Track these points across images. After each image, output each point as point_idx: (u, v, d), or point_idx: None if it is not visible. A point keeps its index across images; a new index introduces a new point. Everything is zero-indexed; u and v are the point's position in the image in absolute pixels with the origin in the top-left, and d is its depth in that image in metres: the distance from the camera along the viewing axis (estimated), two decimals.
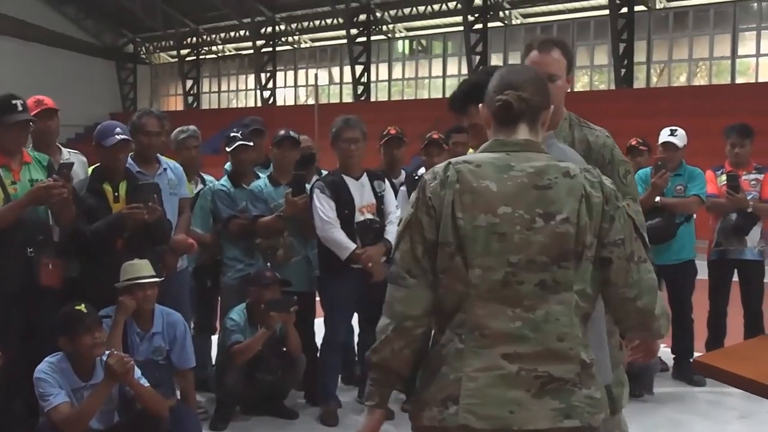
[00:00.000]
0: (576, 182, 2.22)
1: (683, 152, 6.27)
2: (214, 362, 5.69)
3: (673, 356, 6.39)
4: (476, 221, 2.19)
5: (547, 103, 2.39)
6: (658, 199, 6.07)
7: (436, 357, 2.25)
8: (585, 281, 2.22)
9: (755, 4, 25.12)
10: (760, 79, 24.43)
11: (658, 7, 26.41)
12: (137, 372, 4.24)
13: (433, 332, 2.31)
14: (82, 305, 4.17)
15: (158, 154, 5.34)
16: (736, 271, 6.40)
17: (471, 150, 3.99)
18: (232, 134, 5.93)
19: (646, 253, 2.28)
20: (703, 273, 6.43)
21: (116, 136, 4.66)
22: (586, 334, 2.25)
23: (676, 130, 6.29)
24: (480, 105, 2.44)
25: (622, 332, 2.55)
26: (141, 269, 4.59)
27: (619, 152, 3.39)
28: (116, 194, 4.75)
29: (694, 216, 6.42)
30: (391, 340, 2.27)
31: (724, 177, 6.35)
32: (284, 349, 5.35)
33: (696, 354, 5.84)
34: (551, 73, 3.29)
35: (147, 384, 4.28)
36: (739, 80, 25.05)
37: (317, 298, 5.69)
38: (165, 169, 5.27)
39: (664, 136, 6.28)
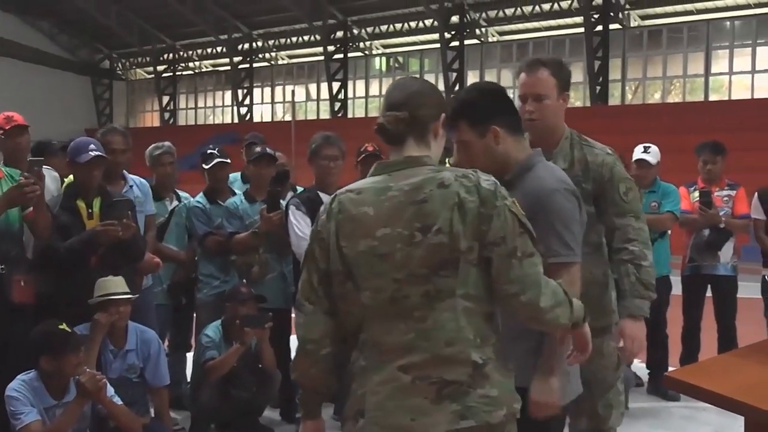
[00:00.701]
0: (449, 191, 2.28)
1: (657, 169, 6.32)
2: (189, 379, 5.66)
3: (648, 371, 6.42)
4: (358, 247, 2.31)
5: (436, 114, 2.44)
6: None
7: (348, 375, 2.40)
8: (468, 284, 2.27)
9: (728, 23, 25.45)
10: (734, 97, 24.74)
11: (632, 25, 26.70)
12: (110, 390, 4.20)
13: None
14: (64, 324, 4.13)
15: (124, 171, 5.31)
16: (709, 286, 6.46)
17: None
18: (209, 151, 5.91)
19: (534, 246, 2.31)
20: (677, 288, 6.47)
21: (90, 153, 4.62)
22: (485, 334, 2.30)
23: (649, 147, 6.34)
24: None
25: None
26: (114, 286, 4.55)
27: (620, 170, 3.41)
28: (90, 211, 4.71)
29: (669, 232, 6.47)
30: (298, 360, 2.48)
31: (696, 194, 6.41)
32: (259, 365, 5.33)
33: (671, 369, 5.87)
34: (537, 93, 3.34)
35: (120, 402, 4.24)
36: (712, 98, 25.34)
37: (293, 315, 5.67)
38: (131, 186, 5.24)
39: (638, 153, 6.34)
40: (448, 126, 2.78)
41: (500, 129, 2.82)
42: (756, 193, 6.48)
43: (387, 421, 2.26)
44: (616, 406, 3.48)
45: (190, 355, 5.86)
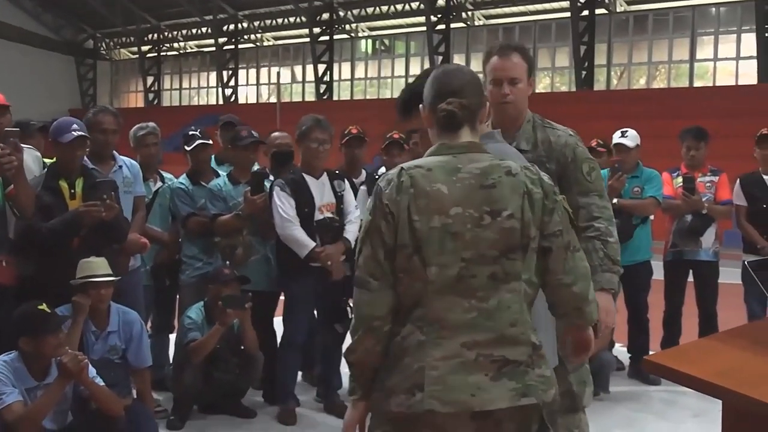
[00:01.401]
0: (518, 180, 2.37)
1: (637, 153, 6.33)
2: (171, 361, 5.66)
3: (629, 355, 6.46)
4: (431, 223, 2.33)
5: (483, 102, 2.54)
6: (615, 200, 6.13)
7: (398, 348, 2.38)
8: (530, 270, 2.39)
9: (713, 9, 25.51)
10: (718, 83, 24.82)
11: (618, 10, 26.71)
12: (92, 371, 4.19)
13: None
14: (44, 305, 4.11)
15: (114, 151, 5.28)
16: (691, 271, 6.50)
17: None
18: (190, 132, 5.89)
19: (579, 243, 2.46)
20: (659, 273, 6.51)
21: (73, 133, 4.58)
22: (531, 319, 2.41)
23: (626, 131, 6.37)
24: (420, 106, 2.58)
25: (559, 319, 2.63)
26: (97, 267, 4.53)
27: (582, 150, 3.44)
28: (73, 191, 4.67)
29: (651, 217, 6.49)
30: (362, 340, 2.43)
31: (679, 179, 6.43)
32: (242, 347, 5.33)
33: (652, 353, 5.91)
34: (512, 77, 3.39)
35: (102, 383, 4.23)
36: (697, 83, 25.43)
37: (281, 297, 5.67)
38: (120, 167, 5.21)
39: (616, 138, 6.37)
40: (405, 113, 2.86)
41: None
42: (738, 180, 6.51)
43: (448, 396, 2.28)
44: (588, 383, 3.50)
45: (172, 337, 5.86)
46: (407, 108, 2.91)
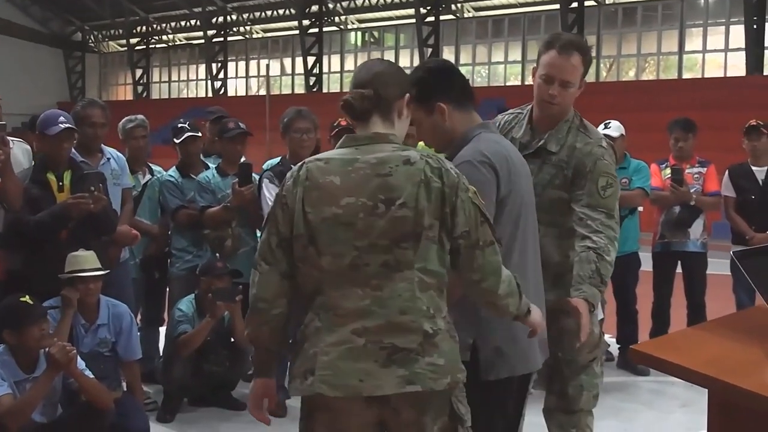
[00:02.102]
0: (415, 169, 2.40)
1: (622, 143, 6.31)
2: (161, 354, 5.65)
3: (618, 346, 6.49)
4: (323, 214, 2.41)
5: (399, 93, 2.56)
6: None
7: (301, 335, 2.48)
8: (427, 259, 2.41)
9: (702, 1, 25.54)
10: (707, 75, 24.85)
11: (607, 2, 26.72)
12: (81, 364, 4.19)
13: (302, 312, 2.51)
14: (27, 297, 4.11)
15: (102, 144, 5.27)
16: (679, 262, 6.52)
17: (421, 144, 4.02)
18: (179, 125, 5.88)
19: (493, 235, 2.48)
20: (646, 264, 6.53)
21: (60, 125, 4.58)
22: (438, 306, 2.44)
23: (609, 122, 6.36)
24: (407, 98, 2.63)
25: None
26: (85, 261, 4.53)
27: (605, 164, 3.27)
28: (60, 184, 4.67)
29: (640, 209, 6.51)
30: (250, 318, 2.56)
31: (668, 170, 6.45)
32: (232, 340, 5.33)
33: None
34: (566, 80, 3.27)
35: (91, 376, 4.23)
36: (686, 75, 25.44)
37: None
38: (108, 159, 5.21)
39: (600, 130, 6.35)
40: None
41: (447, 105, 2.87)
42: (727, 171, 6.54)
43: (337, 380, 2.35)
44: (588, 388, 3.48)
45: (162, 330, 5.85)
46: None
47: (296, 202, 2.44)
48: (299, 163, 2.53)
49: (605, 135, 6.26)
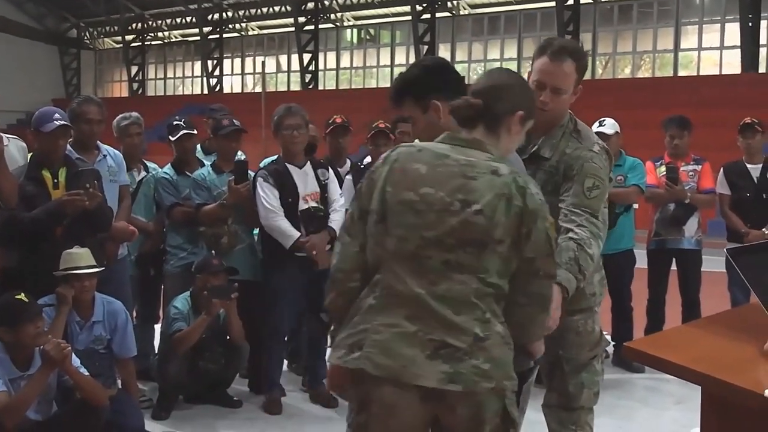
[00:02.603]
0: (501, 181, 2.41)
1: (617, 140, 6.31)
2: (156, 351, 5.65)
3: (613, 343, 6.50)
4: (400, 196, 2.46)
5: (511, 109, 2.57)
6: None
7: (355, 308, 2.51)
8: (488, 270, 2.41)
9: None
10: (702, 72, 24.87)
11: (603, 0, 26.72)
12: (76, 361, 4.19)
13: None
14: (22, 294, 4.10)
15: (98, 141, 5.27)
16: (674, 260, 6.53)
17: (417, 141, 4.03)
18: (174, 122, 5.88)
19: (552, 270, 2.52)
20: (641, 262, 6.54)
21: (55, 122, 4.58)
22: (495, 313, 2.44)
23: (604, 120, 6.35)
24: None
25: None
26: (80, 259, 4.53)
27: (592, 166, 3.19)
28: (56, 181, 4.67)
29: (636, 206, 6.51)
30: (329, 289, 2.61)
31: (663, 168, 6.46)
32: (227, 337, 5.33)
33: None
34: (557, 87, 3.20)
35: (86, 373, 4.23)
36: (681, 73, 25.47)
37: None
38: (105, 156, 5.20)
39: (594, 128, 6.35)
40: (397, 102, 2.92)
41: (442, 103, 2.86)
42: (722, 169, 6.55)
43: (381, 360, 2.37)
44: (588, 386, 3.49)
45: (158, 327, 5.85)
46: (399, 96, 2.95)
47: (380, 179, 2.51)
48: (397, 145, 2.62)
49: (599, 133, 6.27)
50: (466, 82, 3.04)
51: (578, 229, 3.07)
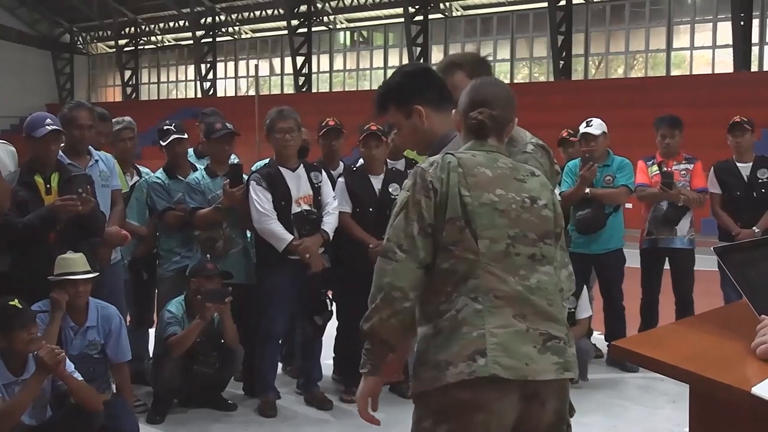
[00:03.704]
0: (543, 180, 2.64)
1: (605, 141, 6.34)
2: (151, 355, 5.65)
3: (607, 343, 6.51)
4: (481, 199, 2.49)
5: (512, 117, 2.70)
6: (587, 190, 6.18)
7: (452, 321, 2.44)
8: (557, 260, 2.60)
9: None
10: (694, 72, 24.94)
11: (595, 0, 26.77)
12: (70, 366, 4.19)
13: (437, 303, 2.49)
14: (16, 300, 4.10)
15: (90, 146, 5.27)
16: (667, 259, 6.54)
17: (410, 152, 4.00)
18: (165, 127, 5.88)
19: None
20: (631, 261, 6.55)
21: (47, 127, 4.57)
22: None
23: (591, 120, 6.38)
24: (453, 111, 2.74)
25: None
26: (75, 264, 4.52)
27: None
28: (48, 186, 4.66)
29: (629, 205, 6.52)
30: (379, 308, 2.48)
31: (655, 167, 6.48)
32: (222, 341, 5.33)
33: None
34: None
35: (80, 378, 4.23)
36: (674, 72, 25.54)
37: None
38: (96, 161, 5.20)
39: (582, 128, 6.38)
40: (381, 109, 2.93)
41: (424, 107, 2.88)
42: (712, 168, 6.57)
43: (508, 362, 2.37)
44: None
45: (152, 331, 5.85)
46: (382, 103, 2.96)
47: (450, 186, 2.48)
48: (440, 154, 2.57)
49: (586, 133, 6.28)
50: None
51: None
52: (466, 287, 2.45)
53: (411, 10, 28.19)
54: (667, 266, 6.59)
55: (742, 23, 22.58)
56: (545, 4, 25.91)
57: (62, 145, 4.86)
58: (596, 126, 6.31)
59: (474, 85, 2.72)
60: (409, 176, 2.59)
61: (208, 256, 5.46)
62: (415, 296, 2.48)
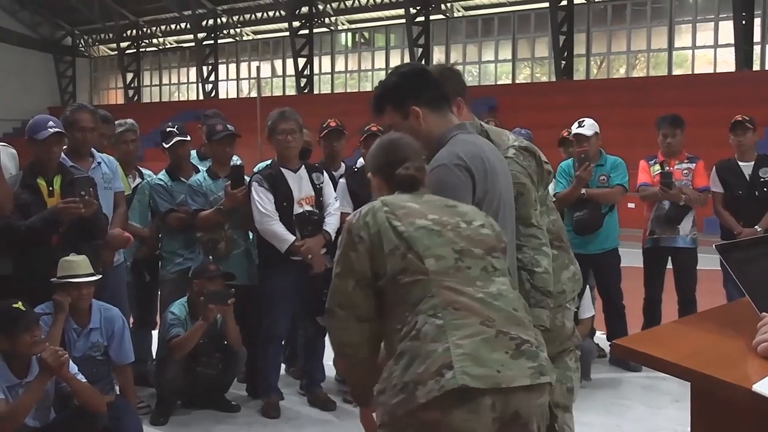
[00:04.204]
0: (475, 208, 2.67)
1: (597, 141, 6.33)
2: (154, 357, 5.66)
3: (609, 343, 6.50)
4: (416, 224, 2.47)
5: (425, 165, 2.74)
6: (583, 190, 6.17)
7: (414, 343, 2.35)
8: (509, 274, 2.61)
9: None
10: (696, 71, 24.93)
11: (596, 0, 26.77)
12: (73, 367, 4.20)
13: (398, 331, 2.41)
14: (19, 303, 4.11)
15: (92, 149, 5.28)
16: (670, 258, 6.54)
17: None
18: (167, 129, 5.89)
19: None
20: (626, 260, 6.54)
21: (49, 129, 4.58)
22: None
23: (583, 120, 6.37)
24: (368, 174, 2.78)
25: None
26: (78, 267, 4.53)
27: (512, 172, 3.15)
28: (51, 189, 4.67)
29: (632, 205, 6.52)
30: (337, 361, 2.65)
31: (657, 167, 6.47)
32: (225, 342, 5.34)
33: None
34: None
35: (84, 379, 4.24)
36: (676, 72, 25.53)
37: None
38: (99, 163, 5.21)
39: (574, 128, 6.38)
40: (378, 110, 2.93)
41: (421, 109, 2.88)
42: (714, 167, 6.57)
43: (478, 370, 2.25)
44: (560, 380, 3.47)
45: (155, 333, 5.86)
46: (379, 105, 2.96)
47: (379, 224, 2.48)
48: (366, 207, 2.57)
49: (578, 134, 6.28)
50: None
51: (519, 254, 3.06)
52: (424, 307, 2.38)
53: (412, 10, 28.20)
54: (669, 266, 6.59)
55: (743, 22, 22.58)
56: (546, 5, 25.90)
57: (65, 147, 4.87)
58: (588, 126, 6.30)
59: (384, 145, 2.73)
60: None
61: (210, 257, 5.47)
62: (369, 345, 2.55)
